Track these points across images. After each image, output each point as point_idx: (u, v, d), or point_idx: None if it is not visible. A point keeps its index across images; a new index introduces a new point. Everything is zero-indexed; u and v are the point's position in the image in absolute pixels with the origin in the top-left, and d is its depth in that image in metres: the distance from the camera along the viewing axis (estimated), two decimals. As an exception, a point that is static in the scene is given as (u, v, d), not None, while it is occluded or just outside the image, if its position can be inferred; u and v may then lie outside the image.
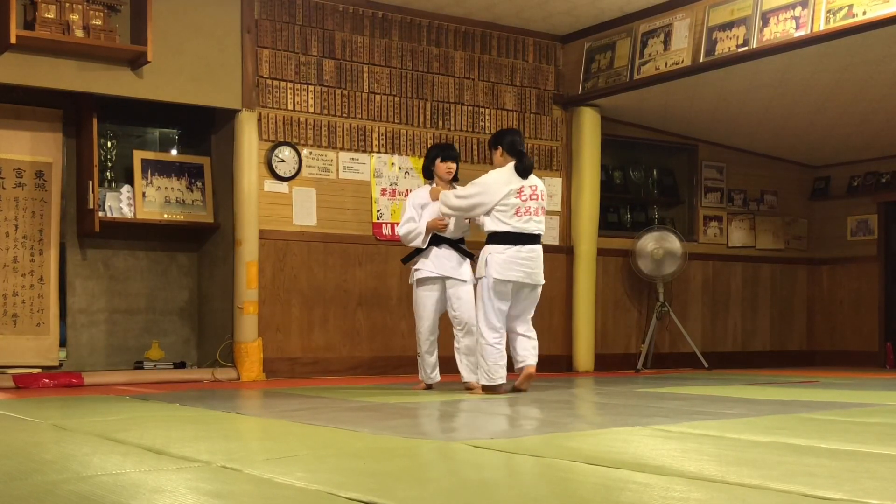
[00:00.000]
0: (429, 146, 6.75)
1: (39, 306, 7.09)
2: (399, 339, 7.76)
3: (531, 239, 5.61)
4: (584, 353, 8.39)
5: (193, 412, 4.53)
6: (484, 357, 5.56)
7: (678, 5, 7.53)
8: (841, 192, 9.98)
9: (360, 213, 7.66)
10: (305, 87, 7.45)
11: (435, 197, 5.91)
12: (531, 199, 5.60)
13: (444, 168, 5.94)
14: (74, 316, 7.32)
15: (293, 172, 7.37)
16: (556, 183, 8.49)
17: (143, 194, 7.33)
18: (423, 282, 5.93)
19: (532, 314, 5.76)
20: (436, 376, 6.03)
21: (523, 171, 5.61)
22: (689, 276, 9.20)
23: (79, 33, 6.40)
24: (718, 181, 9.56)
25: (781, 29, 6.71)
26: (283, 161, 7.33)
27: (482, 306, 5.59)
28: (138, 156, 7.42)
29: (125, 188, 7.29)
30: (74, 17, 6.38)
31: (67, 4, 6.38)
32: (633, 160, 9.27)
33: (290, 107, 7.39)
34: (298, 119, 7.42)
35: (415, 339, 6.10)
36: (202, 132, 7.76)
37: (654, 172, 9.39)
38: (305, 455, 2.94)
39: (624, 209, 9.27)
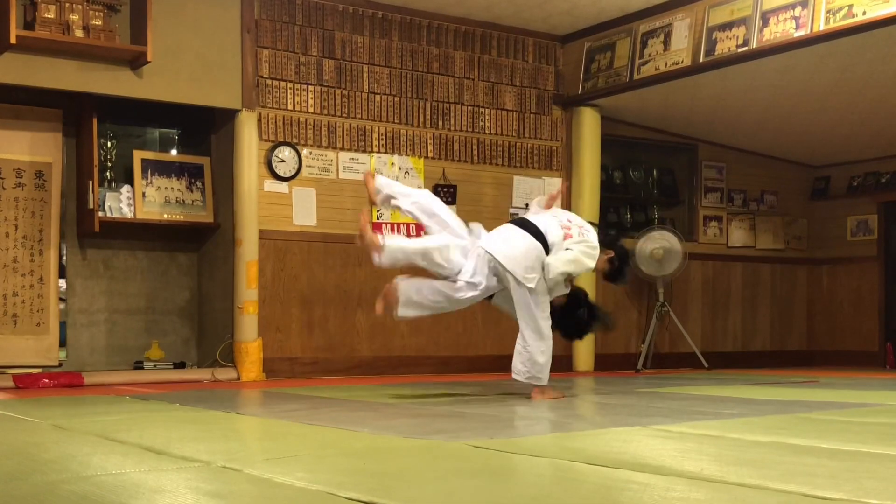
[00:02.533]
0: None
1: (39, 306, 7.09)
2: (399, 339, 7.75)
3: None
4: (583, 353, 8.38)
5: (193, 412, 4.53)
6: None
7: (678, 5, 7.53)
8: (841, 192, 9.98)
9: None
10: (305, 87, 7.45)
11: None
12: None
13: None
14: (74, 316, 7.32)
15: (293, 172, 7.37)
16: (556, 183, 8.46)
17: (143, 194, 7.33)
18: None
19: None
20: None
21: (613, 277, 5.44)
22: (689, 276, 9.20)
23: (79, 33, 6.40)
24: (718, 181, 9.55)
25: (781, 29, 6.71)
26: (283, 161, 7.33)
27: None
28: (138, 156, 7.42)
29: (125, 188, 7.29)
30: (74, 17, 6.38)
31: (67, 4, 6.38)
32: (633, 160, 9.27)
33: (290, 107, 7.39)
34: (298, 119, 7.42)
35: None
36: (202, 132, 7.75)
37: (654, 172, 9.38)
38: (305, 455, 2.94)
39: (624, 209, 9.27)
